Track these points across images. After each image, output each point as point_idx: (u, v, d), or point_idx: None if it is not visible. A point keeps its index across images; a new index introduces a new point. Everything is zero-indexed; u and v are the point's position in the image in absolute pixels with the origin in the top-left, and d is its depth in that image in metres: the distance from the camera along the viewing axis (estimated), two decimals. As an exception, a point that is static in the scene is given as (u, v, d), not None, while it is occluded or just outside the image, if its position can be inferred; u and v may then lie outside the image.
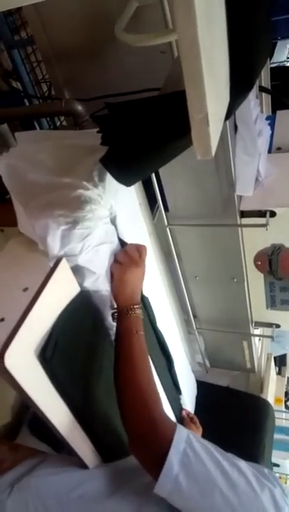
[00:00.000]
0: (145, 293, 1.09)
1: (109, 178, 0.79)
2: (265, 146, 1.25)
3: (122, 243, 0.92)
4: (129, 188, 0.87)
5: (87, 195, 0.77)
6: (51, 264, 0.75)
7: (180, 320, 1.59)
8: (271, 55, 2.06)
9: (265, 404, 1.75)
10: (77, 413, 0.82)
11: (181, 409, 1.44)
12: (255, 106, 1.09)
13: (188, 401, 1.55)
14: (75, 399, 0.80)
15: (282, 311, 1.52)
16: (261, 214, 1.22)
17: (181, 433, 0.68)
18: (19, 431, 1.38)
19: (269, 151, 1.32)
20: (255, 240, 1.31)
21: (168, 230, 1.34)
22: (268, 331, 1.69)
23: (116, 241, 0.90)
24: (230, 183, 1.17)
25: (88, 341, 0.86)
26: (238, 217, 1.24)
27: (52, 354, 0.71)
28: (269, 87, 1.42)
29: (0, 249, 0.87)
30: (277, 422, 1.81)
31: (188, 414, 1.43)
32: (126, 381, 0.77)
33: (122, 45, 0.94)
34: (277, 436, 1.76)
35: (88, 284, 0.84)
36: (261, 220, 1.19)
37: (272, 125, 1.35)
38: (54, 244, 0.75)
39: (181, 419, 1.40)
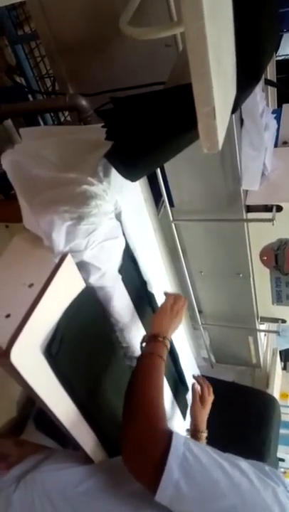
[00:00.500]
0: (150, 288, 1.10)
1: (114, 174, 0.79)
2: (271, 140, 1.24)
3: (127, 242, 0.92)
4: (134, 183, 0.86)
5: (92, 191, 0.76)
6: (56, 260, 0.75)
7: (185, 315, 1.59)
8: (277, 49, 2.03)
9: (270, 399, 1.74)
10: (83, 408, 0.82)
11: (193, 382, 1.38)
12: (261, 99, 1.08)
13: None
14: (81, 394, 0.80)
15: (288, 306, 1.51)
16: (267, 209, 1.21)
17: (179, 438, 0.67)
18: (25, 426, 1.39)
19: (275, 145, 1.31)
20: (261, 234, 1.31)
21: (173, 225, 1.33)
22: (273, 326, 1.68)
23: (121, 237, 0.89)
24: (236, 177, 1.16)
25: (93, 337, 0.86)
26: (243, 212, 1.24)
27: (57, 350, 0.71)
28: (275, 80, 1.40)
29: (5, 245, 0.87)
30: (283, 417, 1.80)
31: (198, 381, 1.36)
32: (139, 397, 0.77)
33: (127, 39, 0.93)
34: (282, 431, 1.76)
35: (93, 280, 0.84)
36: (267, 215, 1.19)
37: (278, 119, 1.34)
38: (59, 240, 0.75)
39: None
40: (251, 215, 1.25)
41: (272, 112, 1.25)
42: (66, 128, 1.17)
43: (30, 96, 1.83)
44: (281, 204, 1.18)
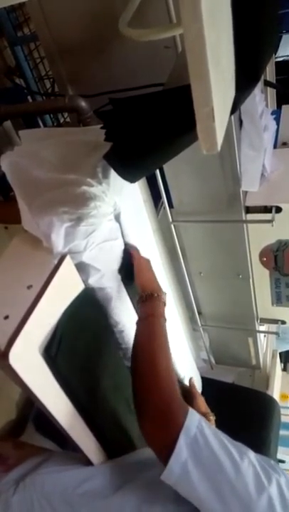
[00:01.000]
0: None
1: (113, 175, 0.79)
2: (270, 141, 1.24)
3: (125, 243, 0.92)
4: (133, 184, 0.86)
5: (92, 192, 0.76)
6: (55, 262, 0.75)
7: (185, 317, 1.58)
8: (276, 50, 2.04)
9: (270, 400, 1.74)
10: (82, 409, 0.82)
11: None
12: (260, 100, 1.08)
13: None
14: (80, 396, 0.80)
15: (287, 308, 1.51)
16: (267, 210, 1.21)
17: (193, 418, 0.67)
18: (24, 427, 1.38)
19: (275, 147, 1.31)
20: (260, 235, 1.31)
21: (172, 226, 1.33)
22: (273, 328, 1.68)
23: (120, 238, 0.89)
24: (236, 178, 1.16)
25: (93, 338, 0.86)
26: (243, 213, 1.24)
27: (56, 351, 0.71)
28: (274, 82, 1.40)
29: (4, 246, 0.87)
30: (283, 419, 1.80)
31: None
32: (147, 362, 0.75)
33: (126, 41, 0.93)
34: (283, 432, 1.75)
35: (92, 281, 0.83)
36: (267, 216, 1.18)
37: (277, 120, 1.34)
38: (58, 241, 0.75)
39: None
40: (251, 216, 1.25)
41: (272, 113, 1.25)
42: (65, 129, 1.17)
43: (29, 97, 1.83)
44: (280, 205, 1.18)
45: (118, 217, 0.87)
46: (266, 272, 1.41)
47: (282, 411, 1.77)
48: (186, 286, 1.51)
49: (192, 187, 1.23)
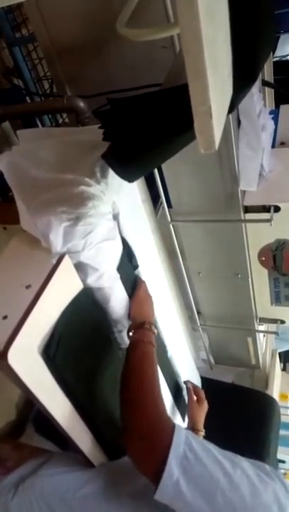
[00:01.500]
0: (149, 290, 1.09)
1: (111, 174, 0.79)
2: (268, 141, 1.24)
3: (124, 243, 0.92)
4: (131, 184, 0.86)
5: (90, 192, 0.76)
6: (54, 261, 0.74)
7: (184, 317, 1.58)
8: (274, 49, 2.04)
9: (270, 400, 1.74)
10: (82, 410, 0.82)
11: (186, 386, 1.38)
12: (258, 100, 1.08)
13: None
14: (79, 396, 0.80)
15: (286, 307, 1.51)
16: (265, 209, 1.21)
17: (180, 434, 0.66)
18: (24, 428, 1.38)
19: (273, 146, 1.31)
20: (259, 235, 1.31)
21: (171, 226, 1.33)
22: (272, 327, 1.68)
23: (118, 238, 0.89)
24: (234, 178, 1.16)
25: (91, 338, 0.86)
26: (241, 212, 1.24)
27: (55, 351, 0.70)
28: (272, 81, 1.41)
29: (3, 246, 0.87)
30: (283, 418, 1.80)
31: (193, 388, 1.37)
32: (135, 384, 0.77)
33: (124, 41, 0.93)
34: (282, 432, 1.75)
35: (91, 281, 0.83)
36: (265, 216, 1.18)
37: (275, 119, 1.34)
38: (56, 241, 0.75)
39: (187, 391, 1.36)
40: (249, 216, 1.25)
41: (270, 113, 1.25)
42: (64, 129, 1.17)
43: (28, 98, 1.83)
44: (279, 204, 1.18)
45: (117, 217, 0.87)
46: (265, 272, 1.41)
47: (281, 411, 1.77)
48: (185, 286, 1.51)
49: (191, 187, 1.23)
